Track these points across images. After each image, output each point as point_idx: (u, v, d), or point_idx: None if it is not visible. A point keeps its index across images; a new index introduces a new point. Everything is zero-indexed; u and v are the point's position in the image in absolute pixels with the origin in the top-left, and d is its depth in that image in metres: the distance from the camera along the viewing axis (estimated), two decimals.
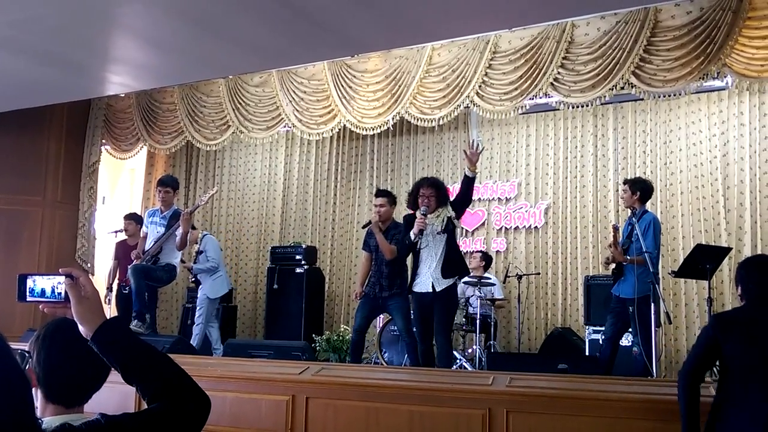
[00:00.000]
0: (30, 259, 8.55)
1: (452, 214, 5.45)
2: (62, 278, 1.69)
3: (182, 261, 7.28)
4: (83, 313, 1.63)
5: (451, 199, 5.69)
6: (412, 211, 5.58)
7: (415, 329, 5.68)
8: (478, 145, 5.56)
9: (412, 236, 5.39)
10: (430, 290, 5.38)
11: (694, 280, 7.02)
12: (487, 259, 7.90)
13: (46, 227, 8.77)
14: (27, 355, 1.40)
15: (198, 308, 7.46)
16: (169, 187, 6.71)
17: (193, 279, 7.76)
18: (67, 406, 1.76)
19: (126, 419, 1.57)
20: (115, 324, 1.66)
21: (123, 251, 7.53)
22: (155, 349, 1.69)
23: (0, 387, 1.18)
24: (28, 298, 1.74)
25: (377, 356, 7.10)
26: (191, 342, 7.20)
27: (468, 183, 5.46)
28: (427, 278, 5.41)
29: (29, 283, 1.74)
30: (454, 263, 5.47)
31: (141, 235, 6.97)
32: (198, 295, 7.60)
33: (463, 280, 7.75)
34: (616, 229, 5.87)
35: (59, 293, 1.71)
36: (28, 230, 8.65)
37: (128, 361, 1.63)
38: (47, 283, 1.73)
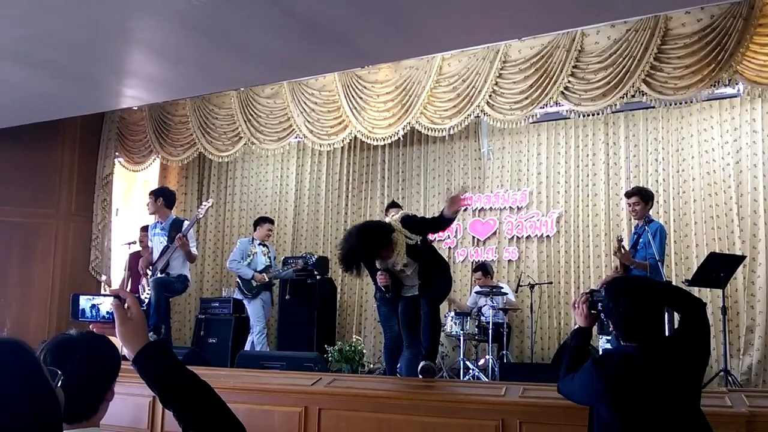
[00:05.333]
0: (44, 271, 8.62)
1: (413, 241, 4.77)
2: (104, 299, 1.72)
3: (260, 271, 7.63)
4: (126, 335, 1.65)
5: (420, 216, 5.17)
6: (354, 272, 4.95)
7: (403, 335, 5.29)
8: (466, 190, 5.01)
9: (387, 293, 4.99)
10: (417, 293, 4.96)
11: (708, 289, 6.96)
12: (483, 268, 7.86)
13: (60, 239, 8.84)
14: (59, 372, 1.39)
15: (265, 316, 7.69)
16: (156, 196, 6.84)
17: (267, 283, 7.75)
18: (68, 422, 1.73)
19: None
20: (158, 347, 1.66)
21: (136, 263, 7.58)
22: (195, 375, 1.69)
23: (30, 407, 1.16)
24: (80, 318, 1.77)
25: None
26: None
27: (442, 221, 4.91)
28: (415, 286, 5.00)
29: (81, 302, 1.77)
30: (429, 270, 4.92)
31: (148, 248, 7.05)
32: (261, 300, 7.68)
33: (474, 290, 7.77)
34: (620, 240, 5.87)
35: (97, 312, 1.73)
36: (42, 242, 8.72)
37: (166, 385, 1.63)
38: (86, 303, 1.76)
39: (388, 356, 5.52)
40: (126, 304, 1.69)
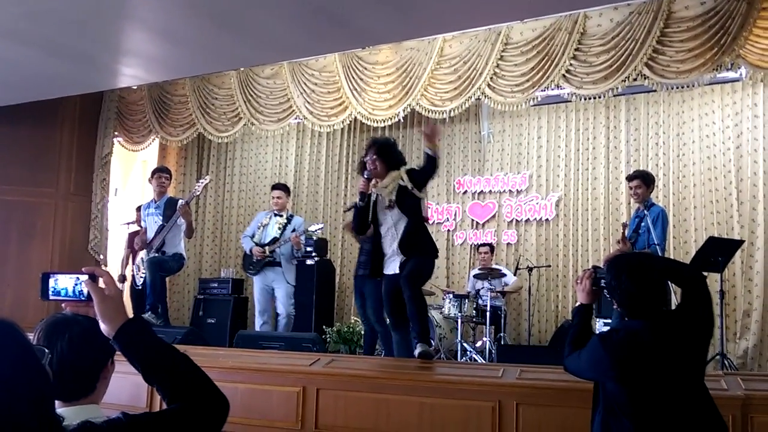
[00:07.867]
0: (43, 250, 8.61)
1: (406, 183, 4.71)
2: (84, 277, 1.71)
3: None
4: (106, 312, 1.65)
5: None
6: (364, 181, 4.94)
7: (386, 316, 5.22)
8: (436, 122, 5.17)
9: (357, 202, 4.88)
10: (398, 271, 4.72)
11: (706, 273, 6.98)
12: (491, 245, 8.01)
13: (59, 219, 8.83)
14: (46, 351, 1.41)
15: (279, 296, 7.01)
16: (168, 174, 6.95)
17: (268, 256, 6.93)
18: (65, 400, 1.75)
19: (147, 418, 1.58)
20: (137, 323, 1.67)
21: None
22: (176, 350, 1.70)
23: (21, 384, 1.18)
24: (51, 297, 1.76)
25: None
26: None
27: (428, 160, 4.72)
28: (394, 259, 4.80)
29: (51, 282, 1.76)
30: (410, 243, 4.72)
31: (141, 228, 7.07)
32: (267, 280, 7.02)
33: (473, 273, 7.79)
34: (625, 225, 5.87)
35: (80, 292, 1.73)
36: (42, 222, 8.71)
37: (149, 360, 1.64)
38: (69, 282, 1.75)
39: (367, 339, 5.69)
40: (101, 282, 1.69)
